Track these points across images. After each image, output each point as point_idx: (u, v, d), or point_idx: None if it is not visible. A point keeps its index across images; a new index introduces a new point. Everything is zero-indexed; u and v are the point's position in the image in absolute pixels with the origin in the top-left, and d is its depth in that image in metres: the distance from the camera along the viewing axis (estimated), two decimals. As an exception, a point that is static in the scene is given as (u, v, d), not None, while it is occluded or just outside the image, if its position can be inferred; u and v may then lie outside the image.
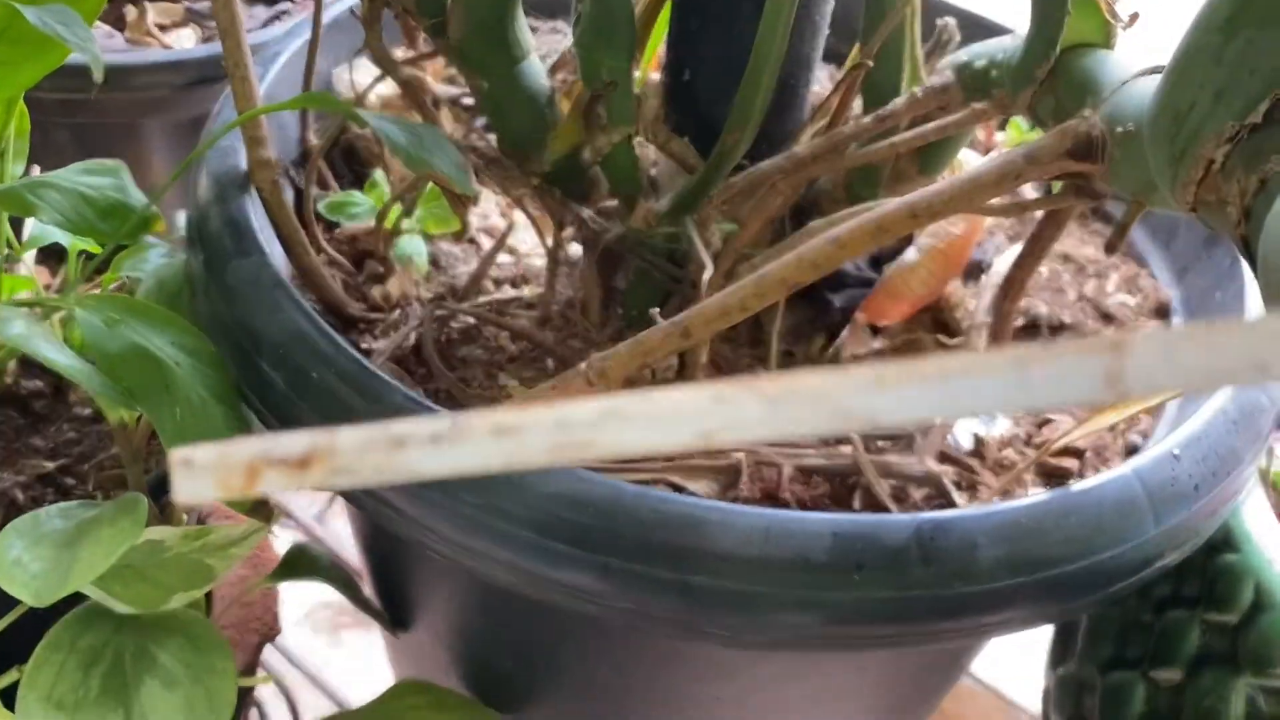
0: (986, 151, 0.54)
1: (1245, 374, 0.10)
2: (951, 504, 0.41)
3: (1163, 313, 0.49)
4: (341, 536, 0.76)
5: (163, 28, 0.76)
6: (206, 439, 0.38)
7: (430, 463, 0.12)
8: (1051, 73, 0.36)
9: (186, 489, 0.12)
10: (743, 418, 0.11)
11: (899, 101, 0.39)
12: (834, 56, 0.58)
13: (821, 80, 0.57)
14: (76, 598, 0.38)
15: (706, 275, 0.40)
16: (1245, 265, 0.47)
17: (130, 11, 0.78)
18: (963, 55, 0.39)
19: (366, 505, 0.38)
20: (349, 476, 0.12)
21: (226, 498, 0.13)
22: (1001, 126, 0.57)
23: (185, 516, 0.48)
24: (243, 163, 0.44)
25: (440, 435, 0.11)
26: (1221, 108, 0.29)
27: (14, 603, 0.38)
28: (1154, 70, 0.34)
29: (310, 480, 0.12)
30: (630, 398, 0.11)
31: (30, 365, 0.48)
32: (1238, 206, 0.29)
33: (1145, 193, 0.33)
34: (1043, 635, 0.49)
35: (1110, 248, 0.34)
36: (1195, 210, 0.31)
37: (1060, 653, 0.47)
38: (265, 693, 0.68)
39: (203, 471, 0.12)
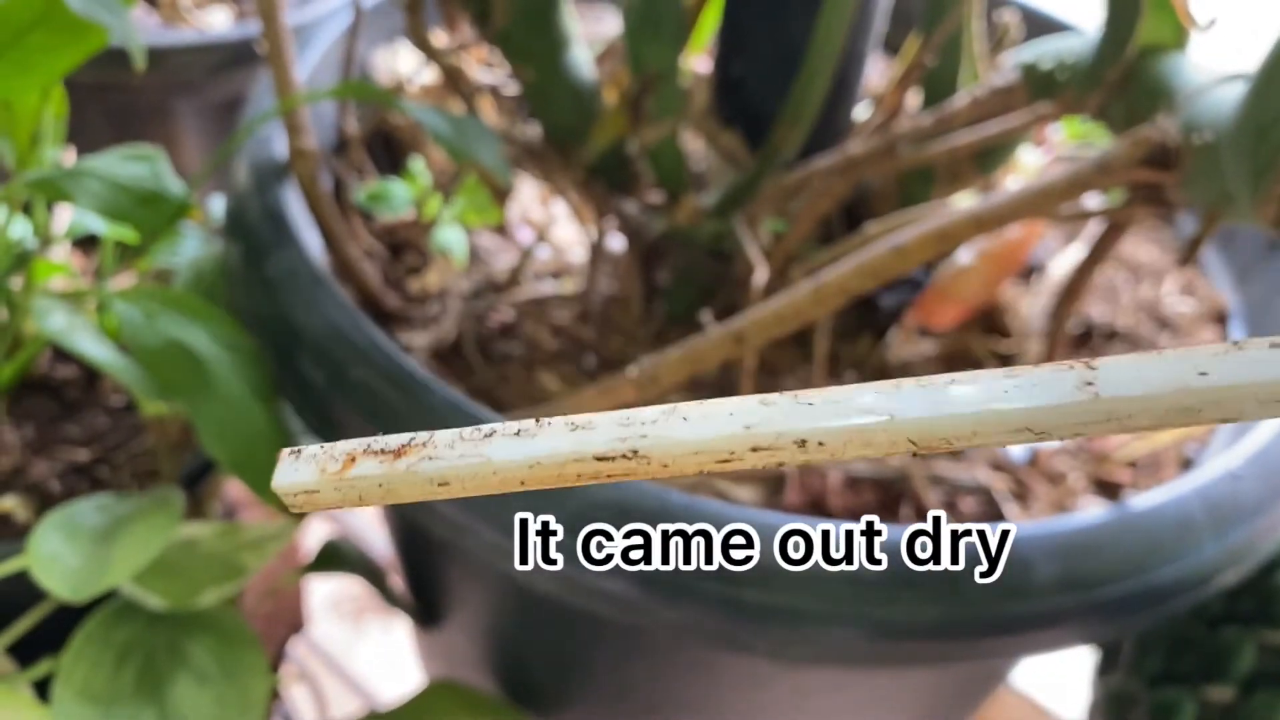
0: (1040, 144, 0.52)
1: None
2: (1000, 515, 0.40)
3: (1220, 318, 0.48)
4: (365, 525, 0.76)
5: (198, 4, 0.75)
6: (247, 436, 0.37)
7: (510, 451, 0.14)
8: (1123, 76, 0.34)
9: (287, 475, 0.14)
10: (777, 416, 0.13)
11: (961, 102, 0.38)
12: (885, 44, 0.57)
13: (868, 71, 0.55)
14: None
15: (759, 276, 0.39)
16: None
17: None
18: (1028, 55, 0.37)
19: (404, 504, 0.37)
20: (436, 464, 0.14)
21: (323, 486, 0.14)
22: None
23: (219, 507, 0.47)
24: (281, 152, 0.43)
25: (525, 429, 0.14)
26: (1310, 122, 0.27)
27: (44, 594, 0.37)
28: (1233, 78, 0.32)
29: (401, 465, 0.14)
30: (689, 405, 0.13)
31: (63, 353, 0.48)
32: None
33: (1221, 205, 0.32)
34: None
35: (1183, 262, 0.32)
36: (1278, 226, 0.29)
37: (1106, 664, 0.46)
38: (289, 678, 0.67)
39: (307, 459, 0.14)
